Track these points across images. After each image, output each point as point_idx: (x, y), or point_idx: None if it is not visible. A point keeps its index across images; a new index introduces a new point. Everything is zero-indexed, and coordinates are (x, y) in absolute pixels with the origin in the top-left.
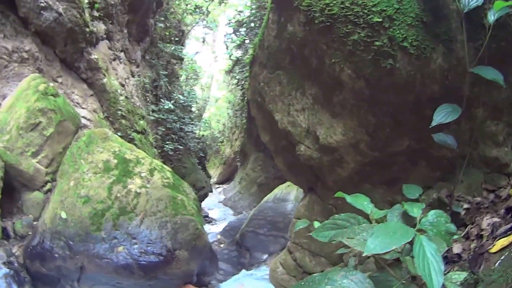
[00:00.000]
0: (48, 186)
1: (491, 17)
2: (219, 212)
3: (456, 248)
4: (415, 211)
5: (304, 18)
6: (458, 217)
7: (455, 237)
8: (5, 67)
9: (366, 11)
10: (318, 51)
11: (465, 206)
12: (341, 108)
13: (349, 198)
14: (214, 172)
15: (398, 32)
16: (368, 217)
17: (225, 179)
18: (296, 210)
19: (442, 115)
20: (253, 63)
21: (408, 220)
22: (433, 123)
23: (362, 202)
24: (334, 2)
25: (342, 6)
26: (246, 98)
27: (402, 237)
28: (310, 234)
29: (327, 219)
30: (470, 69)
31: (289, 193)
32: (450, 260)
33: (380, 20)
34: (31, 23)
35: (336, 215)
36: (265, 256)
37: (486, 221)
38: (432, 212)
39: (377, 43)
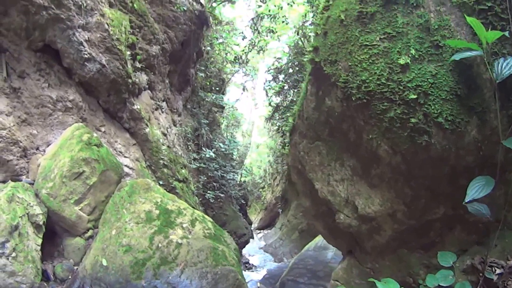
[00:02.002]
0: (90, 233)
1: None
2: (259, 258)
3: None
4: None
5: (341, 94)
6: (490, 283)
7: None
8: (49, 115)
9: (401, 87)
10: (355, 126)
11: (498, 271)
12: (379, 180)
13: (379, 285)
14: (255, 218)
15: (433, 107)
16: None
17: (266, 225)
18: (334, 273)
19: (476, 190)
20: (293, 131)
21: None
22: (467, 199)
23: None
24: (370, 78)
25: (378, 82)
26: (287, 145)
27: None
28: None
29: (365, 282)
30: (503, 141)
31: None
32: None
33: (415, 97)
34: (75, 73)
35: None
36: None
37: None
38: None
39: (412, 120)
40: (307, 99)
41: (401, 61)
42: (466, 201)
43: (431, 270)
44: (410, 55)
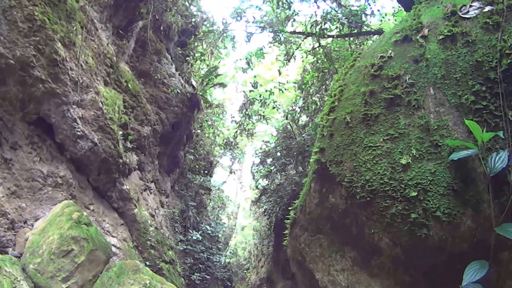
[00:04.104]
0: None
1: None
2: None
3: None
4: None
5: (345, 192)
6: None
7: None
8: (39, 190)
9: (403, 185)
10: (358, 221)
11: None
12: (379, 269)
13: None
14: None
15: (431, 203)
16: None
17: None
18: None
19: (471, 274)
20: (294, 224)
21: None
22: (464, 283)
23: None
24: (374, 178)
25: (381, 181)
26: (273, 227)
27: None
28: None
29: None
30: (495, 228)
31: None
32: None
33: (416, 194)
34: (67, 149)
35: None
36: None
37: None
38: None
39: (412, 215)
40: (310, 195)
41: (403, 161)
42: (463, 285)
43: None
44: (411, 155)
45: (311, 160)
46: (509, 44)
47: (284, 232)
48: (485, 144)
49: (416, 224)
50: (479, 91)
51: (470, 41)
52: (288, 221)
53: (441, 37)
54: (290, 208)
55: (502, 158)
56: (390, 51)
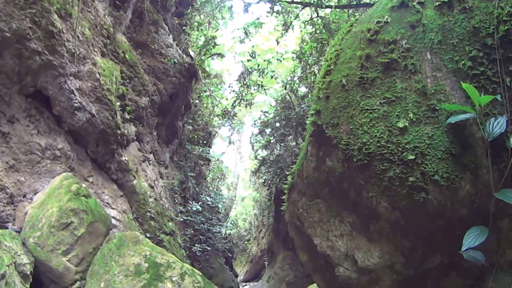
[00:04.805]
0: (77, 284)
1: None
2: None
3: None
4: None
5: (342, 155)
6: None
7: None
8: (37, 163)
9: (400, 148)
10: (356, 185)
11: None
12: (378, 234)
13: None
14: (241, 270)
15: (429, 166)
16: None
17: (252, 277)
18: None
19: (471, 239)
20: (292, 189)
21: None
22: (464, 248)
23: None
24: (371, 140)
25: (378, 144)
26: (273, 197)
27: None
28: None
29: None
30: (495, 193)
31: None
32: None
33: (413, 157)
34: (64, 122)
35: None
36: None
37: None
38: None
39: (411, 178)
40: (308, 159)
41: (400, 124)
42: (463, 250)
43: None
44: (408, 118)
45: (307, 122)
46: (506, 11)
47: (282, 197)
48: (482, 109)
49: (414, 188)
50: (476, 56)
51: (467, 7)
52: (286, 186)
53: (437, 3)
54: (287, 173)
55: (501, 123)
56: (386, 17)
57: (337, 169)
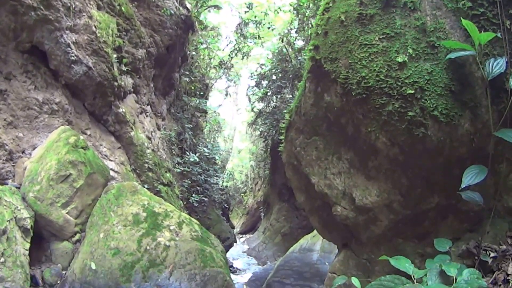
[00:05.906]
0: (77, 236)
1: None
2: (243, 262)
3: None
4: (452, 270)
5: (341, 89)
6: (486, 265)
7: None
8: (35, 118)
9: (399, 83)
10: (354, 120)
11: (492, 254)
12: (376, 172)
13: (392, 261)
14: (237, 222)
15: (429, 102)
16: (410, 277)
17: (248, 229)
18: (331, 266)
19: (470, 177)
20: (289, 128)
21: (445, 278)
22: (463, 185)
23: (404, 264)
24: (370, 75)
25: (377, 78)
26: (269, 150)
27: None
28: None
29: (362, 273)
30: (494, 132)
31: (314, 244)
32: None
33: (413, 91)
34: (61, 75)
35: (382, 277)
36: None
37: None
38: (466, 270)
39: (410, 113)
40: (305, 96)
41: (399, 59)
42: (462, 187)
43: (425, 258)
44: (407, 54)
45: (305, 58)
46: None
47: (280, 138)
48: (482, 48)
49: (413, 123)
50: None
51: None
52: (284, 125)
53: None
54: (285, 112)
55: (500, 64)
56: None
57: (336, 104)
